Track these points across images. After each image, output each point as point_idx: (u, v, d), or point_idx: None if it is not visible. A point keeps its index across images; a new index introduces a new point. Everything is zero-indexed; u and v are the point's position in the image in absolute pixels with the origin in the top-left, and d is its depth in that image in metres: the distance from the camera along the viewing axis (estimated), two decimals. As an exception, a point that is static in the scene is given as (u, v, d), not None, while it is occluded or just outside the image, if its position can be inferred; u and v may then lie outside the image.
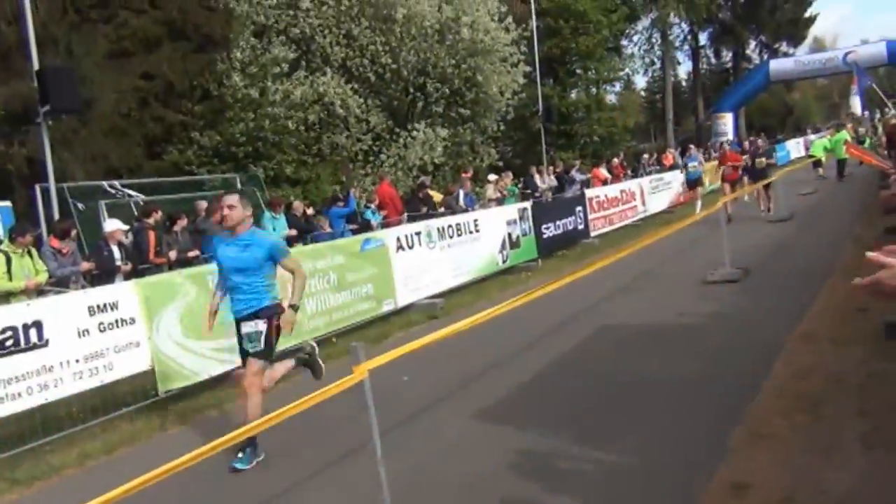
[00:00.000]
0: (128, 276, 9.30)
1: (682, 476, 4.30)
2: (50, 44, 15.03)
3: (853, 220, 13.73)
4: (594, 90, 36.58)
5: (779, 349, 6.53)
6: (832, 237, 12.42)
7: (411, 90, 24.32)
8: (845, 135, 25.18)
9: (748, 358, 6.46)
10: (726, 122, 40.62)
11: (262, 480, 5.09)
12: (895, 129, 9.80)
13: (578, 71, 35.41)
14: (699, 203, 19.23)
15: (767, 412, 5.08)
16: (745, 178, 17.76)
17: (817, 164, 25.47)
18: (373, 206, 15.11)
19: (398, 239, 10.96)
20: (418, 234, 11.42)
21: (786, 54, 49.02)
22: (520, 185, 19.62)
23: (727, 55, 54.98)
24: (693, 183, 21.33)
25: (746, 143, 21.11)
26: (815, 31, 57.64)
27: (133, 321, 7.15)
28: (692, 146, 24.16)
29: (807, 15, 51.39)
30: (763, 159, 17.02)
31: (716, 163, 20.28)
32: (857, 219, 13.70)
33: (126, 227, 10.57)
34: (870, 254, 1.89)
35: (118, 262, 9.78)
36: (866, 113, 28.55)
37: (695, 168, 21.08)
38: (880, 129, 25.42)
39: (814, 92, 68.27)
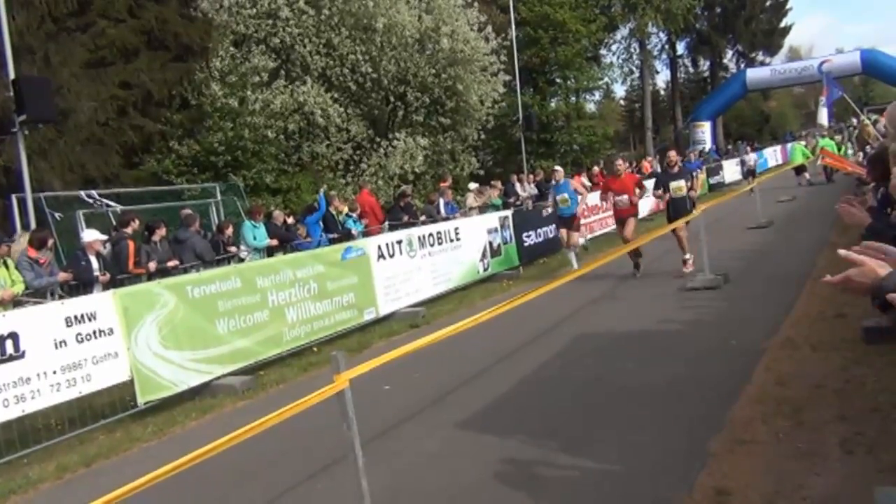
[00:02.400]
0: (106, 287, 9.21)
1: (663, 483, 4.31)
2: (27, 53, 14.90)
3: (830, 227, 13.87)
4: (573, 99, 36.80)
5: (759, 355, 6.57)
6: (810, 244, 12.53)
7: (391, 99, 24.33)
8: (829, 142, 25.48)
9: (728, 364, 6.49)
10: (704, 130, 41.03)
11: (242, 491, 5.04)
12: (865, 133, 9.93)
13: (558, 80, 35.63)
14: (573, 254, 13.61)
15: (748, 418, 5.10)
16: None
17: (800, 170, 25.72)
18: (354, 214, 15.08)
19: (379, 247, 10.94)
20: (399, 242, 11.40)
21: (762, 63, 49.65)
22: (502, 196, 19.67)
23: (704, 64, 55.63)
24: (565, 222, 13.73)
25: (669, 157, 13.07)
26: (790, 40, 58.45)
27: (111, 332, 7.07)
28: (557, 168, 15.03)
29: (782, 25, 52.14)
30: (681, 183, 11.75)
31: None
32: (834, 226, 13.84)
33: (104, 237, 10.46)
34: (842, 251, 1.95)
35: (96, 273, 9.68)
36: (838, 123, 28.96)
37: (566, 202, 13.54)
38: (855, 134, 25.77)
39: (790, 100, 69.12)
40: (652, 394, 5.98)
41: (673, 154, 12.84)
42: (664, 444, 4.90)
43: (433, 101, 24.56)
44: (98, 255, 9.91)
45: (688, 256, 11.44)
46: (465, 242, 12.99)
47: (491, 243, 13.85)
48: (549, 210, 14.78)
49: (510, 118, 29.47)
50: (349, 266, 10.19)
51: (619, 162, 12.91)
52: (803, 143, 28.45)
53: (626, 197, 11.93)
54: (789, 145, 34.76)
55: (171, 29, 18.89)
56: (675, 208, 11.74)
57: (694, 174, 13.08)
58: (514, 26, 27.65)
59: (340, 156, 22.90)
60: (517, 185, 20.46)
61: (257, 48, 21.78)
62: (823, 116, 20.16)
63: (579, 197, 13.76)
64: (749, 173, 30.54)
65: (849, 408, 5.00)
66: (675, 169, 12.26)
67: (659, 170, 14.70)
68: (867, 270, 1.88)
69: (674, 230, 11.10)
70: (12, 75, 11.50)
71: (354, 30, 22.53)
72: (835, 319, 7.33)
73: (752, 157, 33.46)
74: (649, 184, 14.60)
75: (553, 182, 14.34)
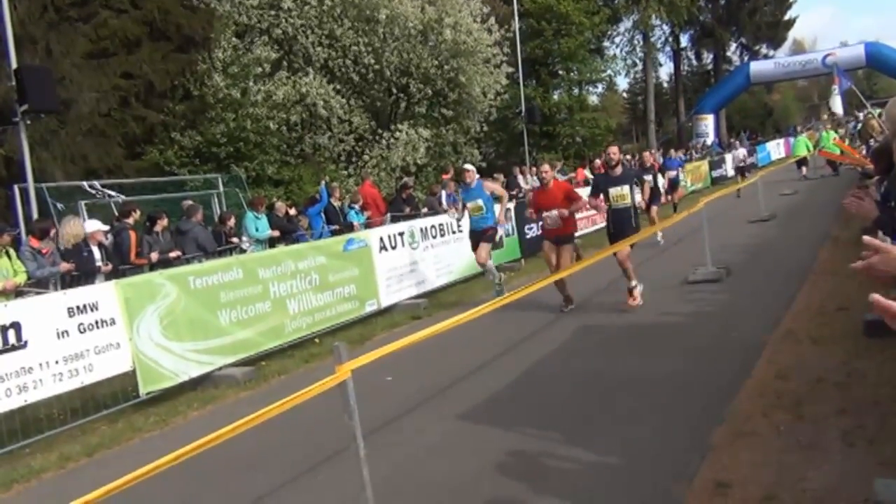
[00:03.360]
0: (108, 277, 9.23)
1: (664, 475, 4.31)
2: (28, 43, 14.87)
3: (832, 221, 13.86)
4: (576, 91, 36.72)
5: (760, 348, 6.57)
6: (812, 237, 12.52)
7: (394, 91, 24.31)
8: (833, 134, 25.47)
9: (730, 357, 6.49)
10: (707, 123, 40.90)
11: (244, 481, 5.06)
12: (868, 126, 9.92)
13: (561, 72, 35.59)
14: (497, 278, 10.79)
15: (749, 411, 5.11)
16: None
17: (801, 163, 25.75)
18: (356, 206, 15.07)
19: (381, 239, 10.94)
20: (401, 234, 11.40)
21: (766, 56, 49.45)
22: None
23: (708, 57, 55.42)
24: (479, 236, 10.64)
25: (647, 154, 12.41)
26: (794, 33, 58.24)
27: (113, 322, 7.08)
28: (468, 167, 11.05)
29: (786, 17, 51.92)
30: (624, 189, 9.14)
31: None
32: (836, 219, 13.82)
33: (106, 228, 10.47)
34: (866, 238, 1.91)
35: (98, 263, 9.69)
36: (843, 116, 28.85)
37: (479, 210, 10.56)
38: (858, 128, 25.75)
39: (793, 93, 68.92)
40: (653, 386, 5.98)
41: (614, 150, 9.59)
42: (665, 436, 4.91)
43: (436, 92, 24.53)
44: (100, 246, 9.92)
45: (634, 284, 8.99)
46: (468, 235, 12.97)
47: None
48: (455, 219, 11.93)
49: (513, 110, 29.42)
50: (351, 258, 10.19)
51: (545, 168, 9.81)
52: (807, 135, 28.42)
53: (555, 213, 9.27)
54: (792, 138, 34.61)
55: (173, 19, 18.86)
56: (616, 222, 9.28)
57: (645, 179, 10.30)
58: (517, 18, 27.56)
59: (343, 147, 22.90)
60: (519, 178, 20.43)
61: (259, 39, 21.77)
62: (837, 105, 20.01)
63: (497, 206, 10.60)
64: (740, 171, 26.09)
65: (850, 401, 5.00)
66: (618, 170, 9.27)
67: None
68: (890, 259, 1.85)
69: (615, 253, 8.71)
70: (14, 65, 11.49)
71: (357, 21, 22.49)
72: (836, 313, 7.33)
73: (741, 153, 27.99)
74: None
75: (462, 184, 11.05)
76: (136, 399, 7.20)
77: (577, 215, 12.73)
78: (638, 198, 9.43)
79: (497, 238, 11.42)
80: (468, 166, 11.12)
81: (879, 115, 12.11)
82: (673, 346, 7.14)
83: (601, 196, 9.38)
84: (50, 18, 16.10)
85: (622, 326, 8.25)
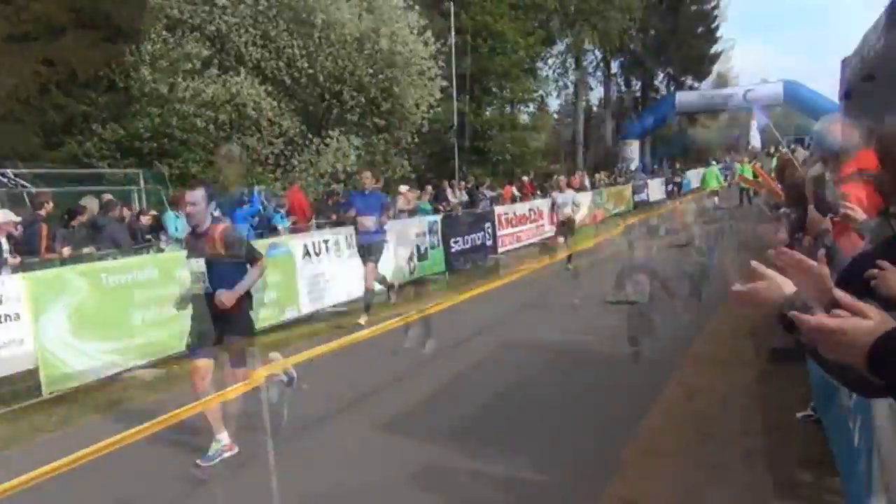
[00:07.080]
0: (15, 270, 8.83)
1: (573, 491, 4.38)
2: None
3: (747, 249, 14.34)
4: (508, 109, 37.16)
5: (671, 369, 6.75)
6: (726, 265, 12.92)
7: (327, 97, 24.10)
8: (747, 168, 26.45)
9: (642, 377, 6.65)
10: (633, 148, 42.00)
11: (150, 486, 4.90)
12: (787, 162, 10.27)
13: (494, 89, 35.93)
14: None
15: (658, 430, 5.24)
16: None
17: (714, 193, 26.77)
18: (282, 211, 14.86)
19: (305, 246, 10.80)
20: (326, 241, 11.29)
21: (691, 87, 51.08)
22: (431, 200, 19.70)
23: (636, 84, 56.83)
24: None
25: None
26: (720, 66, 60.19)
27: (17, 317, 6.80)
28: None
29: (712, 52, 53.76)
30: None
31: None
32: (750, 248, 14.30)
33: (17, 219, 10.03)
34: (754, 263, 1.93)
35: (6, 255, 9.26)
36: (763, 149, 30.05)
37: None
38: (773, 163, 26.81)
39: (716, 124, 71.12)
40: (568, 403, 6.08)
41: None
42: (578, 451, 4.98)
43: (369, 101, 24.42)
44: (9, 237, 9.49)
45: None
46: (393, 245, 12.93)
47: (418, 247, 13.85)
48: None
49: (444, 124, 29.54)
50: (273, 263, 10.02)
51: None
52: (719, 166, 29.48)
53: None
54: (703, 170, 35.75)
55: (103, 8, 18.37)
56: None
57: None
58: (453, 33, 27.73)
59: (271, 150, 22.57)
60: (448, 191, 20.54)
61: (191, 35, 21.29)
62: (756, 139, 20.84)
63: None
64: (563, 227, 13.74)
65: (753, 423, 5.18)
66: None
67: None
68: (774, 287, 1.83)
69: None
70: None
71: (293, 23, 22.24)
72: (746, 339, 7.59)
73: (565, 199, 14.01)
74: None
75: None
76: (39, 398, 6.90)
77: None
78: None
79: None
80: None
81: (794, 152, 12.61)
82: (589, 364, 7.26)
83: None
84: (-32, -2, 15.48)
85: (540, 342, 8.35)
